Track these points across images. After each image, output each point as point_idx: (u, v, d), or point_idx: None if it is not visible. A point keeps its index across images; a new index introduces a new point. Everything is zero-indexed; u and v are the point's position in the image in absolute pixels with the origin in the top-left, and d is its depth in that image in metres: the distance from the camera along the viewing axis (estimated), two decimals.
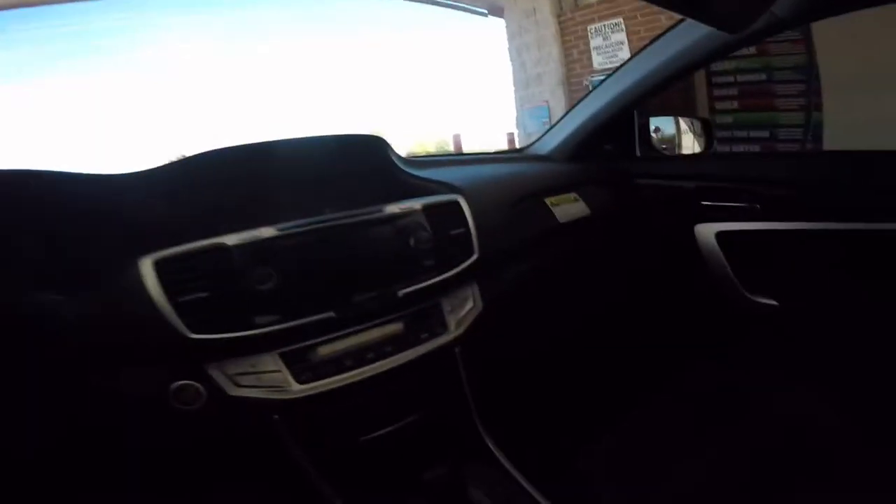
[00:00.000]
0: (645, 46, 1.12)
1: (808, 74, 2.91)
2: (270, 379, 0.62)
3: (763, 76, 3.11)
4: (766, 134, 3.14)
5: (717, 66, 3.26)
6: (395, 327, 0.72)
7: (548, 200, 1.00)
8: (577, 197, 1.06)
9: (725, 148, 3.29)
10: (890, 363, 0.92)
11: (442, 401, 0.82)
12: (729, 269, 1.07)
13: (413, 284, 0.71)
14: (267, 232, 0.62)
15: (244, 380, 0.61)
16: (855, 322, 0.98)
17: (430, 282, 0.73)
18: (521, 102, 5.06)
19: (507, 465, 0.81)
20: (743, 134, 3.24)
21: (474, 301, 0.81)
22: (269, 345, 0.62)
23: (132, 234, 0.58)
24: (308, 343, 0.65)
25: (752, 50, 3.08)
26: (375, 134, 0.88)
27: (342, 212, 0.68)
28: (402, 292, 0.70)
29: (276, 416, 0.64)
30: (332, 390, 0.65)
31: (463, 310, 0.80)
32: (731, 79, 3.26)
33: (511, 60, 5.13)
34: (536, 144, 1.38)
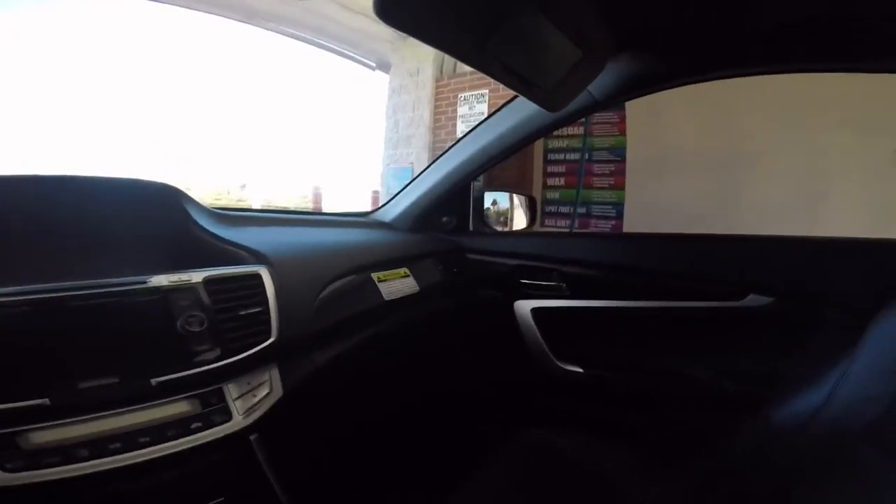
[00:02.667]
0: (481, 122, 1.21)
1: (621, 155, 3.40)
2: None
3: (585, 156, 3.54)
4: (583, 210, 3.57)
5: (552, 143, 3.69)
6: (154, 415, 0.60)
7: (375, 276, 0.96)
8: (408, 272, 1.05)
9: (552, 222, 3.70)
10: (677, 422, 1.06)
11: (238, 490, 0.70)
12: (542, 341, 1.15)
13: (176, 371, 0.60)
14: None
15: None
16: (640, 384, 1.11)
17: (201, 369, 0.62)
18: (388, 161, 5.17)
19: None
20: (566, 209, 3.66)
21: (272, 386, 0.71)
22: None
23: None
24: (15, 429, 0.52)
25: (579, 129, 3.53)
26: (170, 183, 0.77)
27: (85, 280, 0.57)
28: (157, 380, 0.58)
29: None
30: (65, 479, 0.53)
31: (256, 396, 0.69)
32: (561, 156, 3.68)
33: (386, 118, 5.24)
34: (381, 210, 1.37)
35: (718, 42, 0.86)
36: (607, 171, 3.47)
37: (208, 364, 0.63)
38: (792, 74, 0.86)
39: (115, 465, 0.55)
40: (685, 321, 1.06)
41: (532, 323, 1.16)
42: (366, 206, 5.51)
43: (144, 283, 0.60)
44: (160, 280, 0.61)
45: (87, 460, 0.54)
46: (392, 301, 0.97)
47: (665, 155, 3.19)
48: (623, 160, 3.40)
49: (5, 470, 0.51)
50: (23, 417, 0.52)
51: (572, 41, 0.73)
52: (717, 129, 2.98)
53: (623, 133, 3.39)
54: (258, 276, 0.71)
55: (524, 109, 1.09)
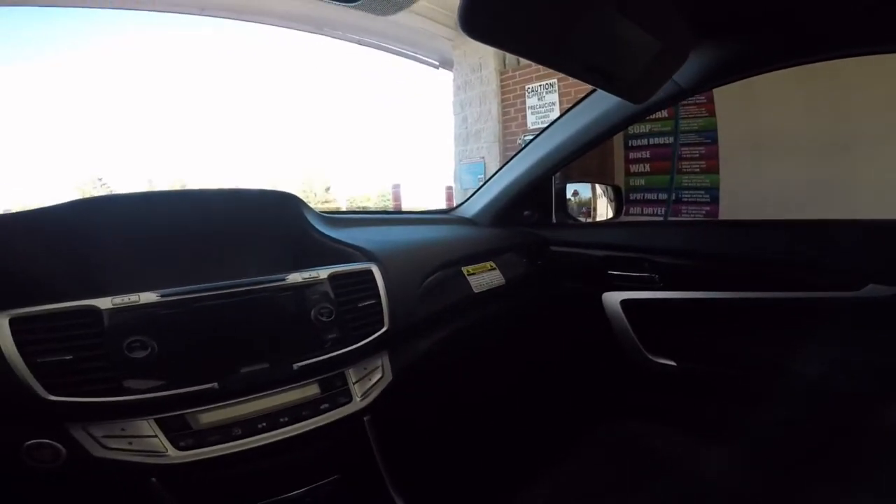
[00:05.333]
0: (561, 115, 1.21)
1: (711, 137, 3.15)
2: (143, 443, 0.59)
3: (671, 139, 3.32)
4: (673, 196, 3.33)
5: (634, 129, 3.48)
6: (291, 398, 0.69)
7: (465, 270, 1.03)
8: (494, 265, 1.10)
9: (637, 210, 3.51)
10: (768, 415, 1.01)
11: (350, 468, 0.78)
12: (632, 333, 1.13)
13: (312, 357, 0.69)
14: (148, 297, 0.60)
15: (112, 442, 0.58)
16: (741, 379, 1.07)
17: (331, 354, 0.71)
18: (460, 157, 5.23)
19: None
20: (652, 196, 3.45)
21: (383, 371, 0.79)
22: (143, 411, 0.59)
23: None
24: (188, 411, 0.61)
25: (663, 113, 3.29)
26: (291, 192, 0.88)
27: (237, 280, 0.67)
28: (297, 365, 0.68)
29: (154, 479, 0.60)
30: (221, 457, 0.62)
31: (371, 380, 0.78)
32: (644, 142, 3.47)
33: (455, 114, 5.31)
34: (464, 206, 1.43)
35: (806, 25, 0.80)
36: (697, 155, 3.23)
37: (337, 350, 0.72)
38: None
39: (261, 443, 0.64)
40: (793, 313, 0.99)
41: (622, 315, 1.14)
42: (441, 201, 5.65)
43: (283, 279, 0.70)
44: (295, 277, 0.71)
45: (240, 438, 0.63)
46: (481, 293, 1.03)
47: (767, 136, 2.90)
48: (714, 142, 3.14)
49: (178, 448, 0.59)
50: (197, 400, 0.61)
51: (651, 34, 0.73)
52: (827, 108, 2.65)
53: (712, 114, 3.13)
54: (370, 272, 0.79)
55: (606, 101, 1.07)
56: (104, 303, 0.57)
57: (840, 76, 2.50)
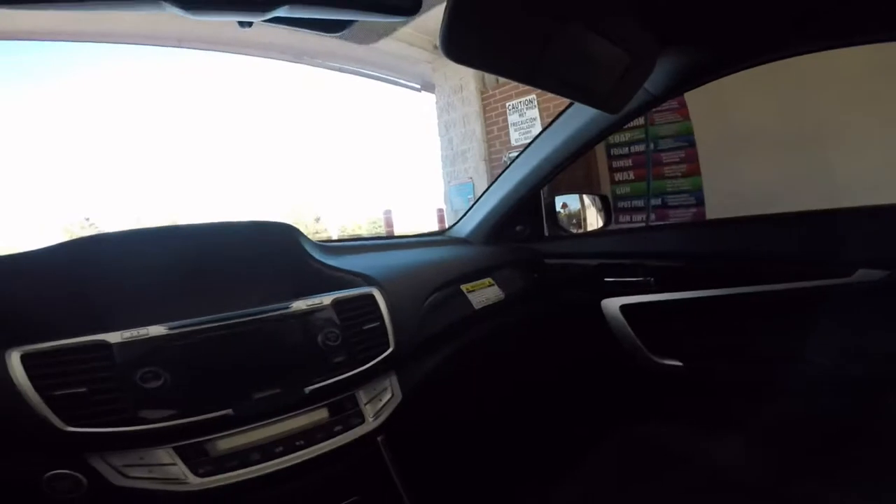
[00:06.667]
0: (542, 131, 1.25)
1: (689, 141, 3.23)
2: (164, 471, 0.60)
3: (650, 146, 3.41)
4: (660, 201, 3.39)
5: (614, 138, 3.55)
6: (305, 421, 0.71)
7: (464, 287, 1.05)
8: (492, 281, 1.12)
9: (627, 217, 3.56)
10: (777, 407, 1.02)
11: (369, 490, 0.79)
12: (635, 337, 1.15)
13: (322, 380, 0.71)
14: (156, 331, 0.62)
15: (133, 471, 0.59)
16: (745, 374, 1.08)
17: (340, 377, 0.73)
18: (448, 178, 5.30)
19: None
20: (640, 203, 3.51)
21: (393, 391, 0.82)
22: (161, 439, 0.60)
23: (1, 324, 0.59)
24: (205, 438, 0.63)
25: (639, 121, 3.37)
26: (286, 222, 0.90)
27: (243, 310, 0.69)
28: (308, 389, 0.69)
29: None
30: (242, 482, 0.63)
31: (381, 401, 0.80)
32: (625, 150, 3.55)
33: (440, 136, 5.39)
34: (456, 227, 1.46)
35: (757, 28, 0.85)
36: (677, 159, 3.31)
37: (345, 372, 0.74)
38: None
39: (279, 467, 0.66)
40: (788, 304, 1.01)
41: (623, 320, 1.16)
42: (432, 224, 5.68)
43: (288, 307, 0.72)
44: (300, 305, 0.73)
45: (259, 463, 0.64)
46: (481, 309, 1.05)
47: (742, 135, 2.99)
48: (692, 145, 3.23)
49: (198, 475, 0.61)
50: (212, 427, 0.63)
51: (619, 46, 0.77)
52: (792, 103, 2.77)
53: (687, 118, 3.23)
54: (372, 297, 0.82)
55: (584, 114, 1.11)
56: (114, 337, 0.59)
57: (805, 71, 2.60)
